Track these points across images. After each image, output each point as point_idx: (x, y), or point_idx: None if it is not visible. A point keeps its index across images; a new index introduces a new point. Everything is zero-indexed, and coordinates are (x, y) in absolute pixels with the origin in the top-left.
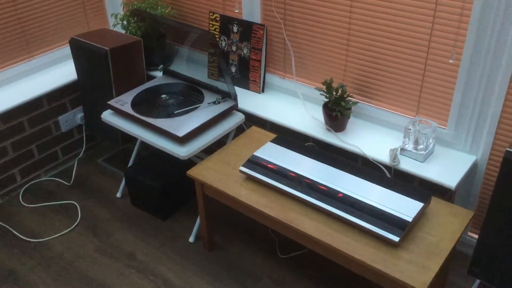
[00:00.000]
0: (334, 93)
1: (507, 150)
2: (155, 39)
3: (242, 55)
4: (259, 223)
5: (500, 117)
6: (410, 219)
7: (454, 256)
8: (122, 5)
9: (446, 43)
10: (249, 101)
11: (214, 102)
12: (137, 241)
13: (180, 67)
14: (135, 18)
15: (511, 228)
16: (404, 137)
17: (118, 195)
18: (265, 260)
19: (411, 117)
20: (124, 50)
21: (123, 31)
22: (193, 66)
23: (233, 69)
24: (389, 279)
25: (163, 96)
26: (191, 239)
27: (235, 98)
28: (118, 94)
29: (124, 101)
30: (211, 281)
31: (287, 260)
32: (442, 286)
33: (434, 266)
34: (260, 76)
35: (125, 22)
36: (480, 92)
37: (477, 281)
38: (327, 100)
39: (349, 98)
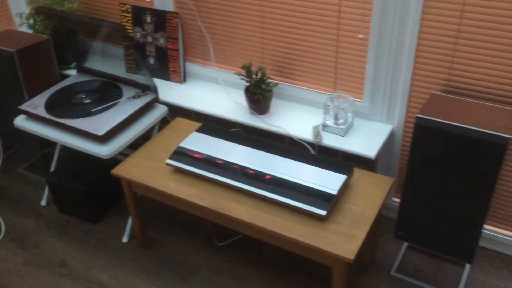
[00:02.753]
0: (254, 76)
1: (417, 116)
2: (65, 36)
3: (159, 46)
4: (194, 215)
5: (411, 85)
6: (335, 192)
7: (381, 222)
8: (27, 3)
9: (354, 19)
10: (171, 92)
11: (133, 97)
12: (68, 248)
13: (95, 63)
14: (42, 16)
15: (428, 191)
16: (325, 113)
17: (43, 203)
18: (202, 250)
19: (330, 93)
20: (32, 51)
21: (31, 31)
22: (109, 61)
23: (151, 61)
24: (320, 252)
25: (79, 95)
26: (124, 239)
27: (155, 91)
28: (30, 97)
29: (37, 104)
30: (149, 279)
31: (224, 247)
32: (372, 252)
33: (361, 234)
34: (180, 66)
35: (31, 21)
36: (390, 64)
37: (406, 243)
38: (248, 84)
39: (269, 80)
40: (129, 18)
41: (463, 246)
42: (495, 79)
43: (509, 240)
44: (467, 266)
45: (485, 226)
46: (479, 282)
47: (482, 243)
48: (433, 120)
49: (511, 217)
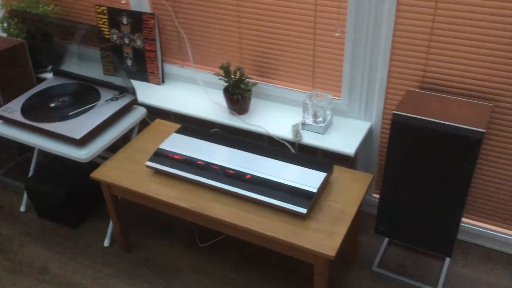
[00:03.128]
0: (233, 76)
1: (394, 113)
2: (40, 39)
3: (136, 47)
4: (175, 216)
5: (387, 82)
6: (315, 190)
7: (362, 218)
8: (0, 6)
9: (330, 17)
10: (150, 93)
11: (111, 99)
12: (48, 254)
13: (72, 66)
14: (16, 19)
15: (406, 186)
16: (303, 112)
17: (22, 208)
18: (185, 252)
19: (308, 92)
20: (7, 54)
21: (5, 34)
22: (86, 64)
23: (129, 63)
24: (301, 250)
25: (56, 98)
26: (106, 243)
27: (133, 92)
28: (6, 102)
29: (13, 108)
30: (132, 282)
31: (207, 248)
32: (354, 248)
33: (341, 231)
34: (158, 67)
35: (5, 25)
36: (366, 61)
37: (386, 239)
38: (227, 84)
39: (248, 80)
40: (105, 20)
41: (442, 240)
42: (469, 75)
43: (487, 232)
44: (447, 259)
45: (464, 219)
46: (459, 275)
47: (461, 236)
48: (409, 116)
49: (488, 210)
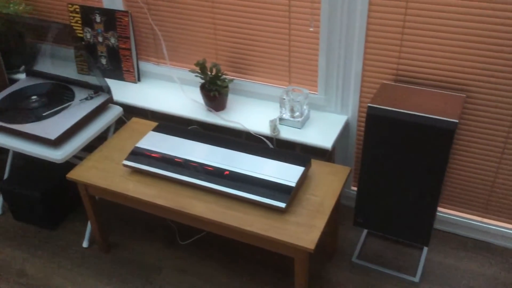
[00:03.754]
0: (209, 73)
1: (369, 106)
2: (12, 39)
3: (111, 45)
4: (155, 215)
5: (362, 76)
6: (293, 184)
7: (341, 211)
8: None
9: (304, 12)
10: (126, 92)
11: (86, 98)
12: (25, 257)
13: (45, 66)
14: None
15: (383, 178)
16: (280, 107)
17: None
18: (166, 251)
19: (285, 87)
20: None
21: None
22: (60, 63)
23: (104, 61)
24: (281, 244)
25: (29, 99)
26: (84, 244)
27: (108, 91)
28: None
29: None
30: (112, 283)
31: (188, 246)
32: (334, 241)
33: (320, 224)
34: (133, 65)
35: None
36: (341, 56)
37: (365, 231)
38: (203, 81)
39: (224, 76)
40: (78, 19)
41: (419, 229)
42: (442, 67)
43: (463, 221)
44: (425, 249)
45: (440, 209)
46: (437, 264)
47: (438, 225)
48: (384, 108)
49: (464, 199)
